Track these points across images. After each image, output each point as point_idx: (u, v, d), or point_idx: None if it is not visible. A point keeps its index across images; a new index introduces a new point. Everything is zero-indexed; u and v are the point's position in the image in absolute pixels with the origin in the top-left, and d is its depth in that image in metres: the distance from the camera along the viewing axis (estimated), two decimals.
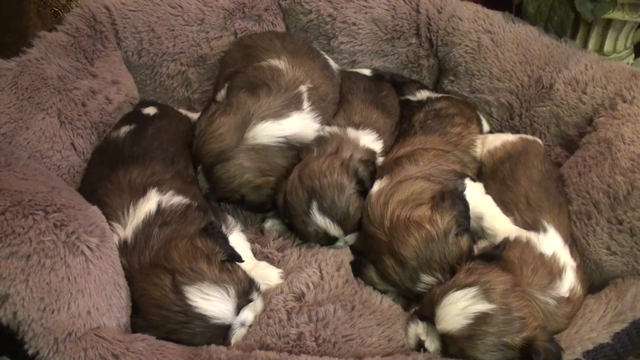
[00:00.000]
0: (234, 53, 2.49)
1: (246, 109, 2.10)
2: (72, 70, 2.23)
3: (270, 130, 2.08)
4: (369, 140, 2.23)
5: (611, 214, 1.90)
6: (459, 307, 1.66)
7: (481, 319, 1.63)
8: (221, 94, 2.31)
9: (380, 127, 2.31)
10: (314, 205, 1.99)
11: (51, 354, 1.53)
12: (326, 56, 2.52)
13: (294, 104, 2.16)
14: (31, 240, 1.56)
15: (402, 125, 2.41)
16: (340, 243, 2.08)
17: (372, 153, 2.20)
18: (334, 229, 2.02)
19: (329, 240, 2.06)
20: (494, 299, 1.65)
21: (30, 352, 1.53)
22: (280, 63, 2.27)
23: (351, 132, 2.22)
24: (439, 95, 2.54)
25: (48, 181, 1.80)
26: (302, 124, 2.16)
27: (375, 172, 2.09)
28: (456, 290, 1.69)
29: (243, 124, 2.07)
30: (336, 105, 2.37)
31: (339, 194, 2.00)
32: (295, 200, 2.02)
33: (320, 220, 2.00)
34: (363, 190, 2.04)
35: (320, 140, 2.18)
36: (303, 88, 2.21)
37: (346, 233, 2.05)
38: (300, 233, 2.09)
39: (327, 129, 2.24)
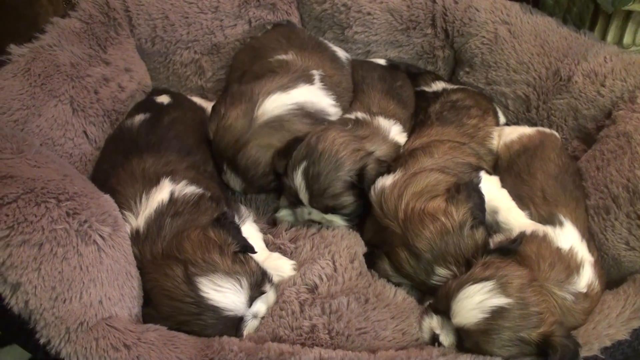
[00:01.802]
0: (242, 56, 2.48)
1: (250, 91, 2.08)
2: (84, 57, 2.21)
3: (280, 101, 2.07)
4: (397, 132, 2.23)
5: (630, 209, 1.87)
6: (475, 301, 1.64)
7: (498, 313, 1.62)
8: None
9: (400, 117, 2.30)
10: (302, 165, 1.99)
11: (62, 344, 1.52)
12: (334, 48, 2.50)
13: (303, 79, 2.15)
14: (43, 229, 1.55)
15: (418, 116, 2.39)
16: (313, 216, 2.08)
17: (398, 148, 2.19)
18: (304, 195, 2.01)
19: (298, 201, 2.05)
20: (511, 293, 1.63)
21: (41, 341, 1.52)
22: (288, 56, 2.26)
23: (382, 121, 2.21)
24: (455, 86, 2.52)
25: (60, 169, 1.78)
26: (312, 94, 2.14)
27: (383, 173, 2.04)
28: (472, 283, 1.67)
29: (250, 105, 2.05)
30: (351, 93, 2.35)
31: (329, 171, 1.98)
32: (296, 152, 2.02)
33: (299, 181, 2.00)
34: (359, 185, 2.01)
35: (356, 121, 2.18)
36: (315, 72, 2.20)
37: (313, 205, 2.03)
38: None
39: (360, 114, 2.23)
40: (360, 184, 2.00)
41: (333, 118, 2.20)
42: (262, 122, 2.04)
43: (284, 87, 2.10)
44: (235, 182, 2.10)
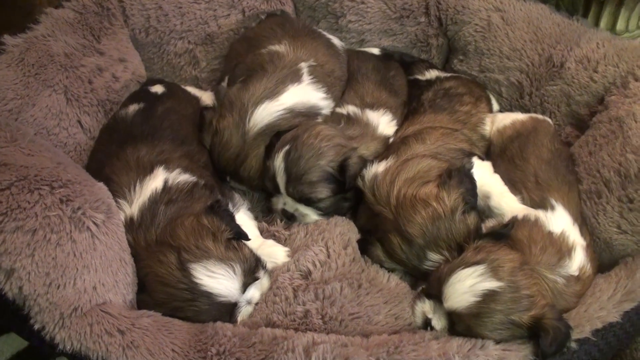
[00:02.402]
0: (238, 47, 2.48)
1: (240, 103, 2.09)
2: (78, 47, 2.22)
3: (268, 109, 2.08)
4: (386, 123, 2.24)
5: (622, 193, 1.88)
6: (467, 285, 1.65)
7: (489, 296, 1.62)
8: (223, 85, 2.30)
9: (391, 106, 2.31)
10: (285, 149, 2.00)
11: (57, 329, 1.53)
12: (329, 35, 2.50)
13: (290, 79, 2.15)
14: (37, 215, 1.56)
15: (412, 104, 2.40)
16: (288, 207, 2.09)
17: (386, 140, 2.20)
18: (281, 178, 2.02)
19: (275, 188, 2.06)
20: (502, 277, 1.64)
21: (36, 327, 1.54)
22: (280, 47, 2.26)
23: (371, 115, 2.23)
24: (448, 74, 2.53)
25: (54, 157, 1.79)
26: (301, 93, 2.14)
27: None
28: (464, 267, 1.68)
29: (240, 119, 2.07)
30: (344, 82, 2.36)
31: (311, 157, 1.99)
32: (282, 138, 2.04)
33: (278, 162, 2.01)
34: (339, 178, 2.02)
35: (348, 119, 2.20)
36: (303, 65, 2.20)
37: (288, 192, 2.03)
38: None
39: (350, 108, 2.24)
40: (342, 177, 2.01)
41: (325, 111, 2.21)
42: (254, 133, 2.06)
43: (272, 93, 2.10)
44: (240, 189, 2.17)
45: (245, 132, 2.06)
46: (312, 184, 2.01)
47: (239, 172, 2.09)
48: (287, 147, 2.00)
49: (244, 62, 2.27)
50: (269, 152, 2.05)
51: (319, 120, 2.16)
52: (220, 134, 2.08)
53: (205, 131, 2.14)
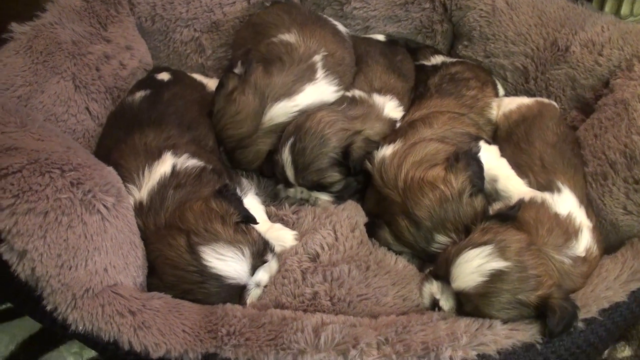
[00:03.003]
0: (244, 33, 2.49)
1: (261, 91, 2.12)
2: (85, 35, 2.24)
3: (285, 109, 2.12)
4: (392, 107, 2.25)
5: (628, 174, 1.89)
6: (474, 265, 1.66)
7: (496, 276, 1.64)
8: (236, 71, 2.28)
9: (399, 91, 2.32)
10: (290, 142, 2.04)
11: (69, 310, 1.55)
12: (334, 22, 2.51)
13: (307, 76, 2.18)
14: (48, 198, 1.57)
15: (418, 89, 2.41)
16: (304, 195, 2.13)
17: (392, 123, 2.21)
18: (290, 170, 2.07)
19: (286, 180, 2.11)
20: (510, 257, 1.65)
21: (48, 307, 1.55)
22: (291, 37, 2.27)
23: (377, 99, 2.24)
24: (454, 59, 2.54)
25: (63, 142, 1.80)
26: (316, 94, 2.17)
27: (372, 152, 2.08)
28: (471, 248, 1.69)
29: (260, 108, 2.11)
30: (354, 67, 2.37)
31: (315, 145, 2.03)
32: (286, 130, 2.09)
33: (285, 155, 2.06)
34: (344, 163, 2.05)
35: (352, 101, 2.21)
36: (317, 58, 2.22)
37: (299, 182, 2.08)
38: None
39: (357, 92, 2.26)
40: (346, 161, 2.04)
41: (333, 100, 2.24)
42: (266, 128, 2.11)
43: (290, 92, 2.14)
44: (226, 162, 2.19)
45: (260, 124, 2.10)
46: (321, 171, 2.05)
47: (234, 153, 2.13)
48: (291, 140, 2.04)
49: (258, 50, 2.28)
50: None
51: None
52: (236, 108, 2.11)
53: (221, 92, 2.15)
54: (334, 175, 2.07)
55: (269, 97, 2.11)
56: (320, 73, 2.20)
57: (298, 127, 2.05)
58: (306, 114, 2.08)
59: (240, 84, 2.14)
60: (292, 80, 2.15)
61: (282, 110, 2.10)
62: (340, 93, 2.23)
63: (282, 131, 2.11)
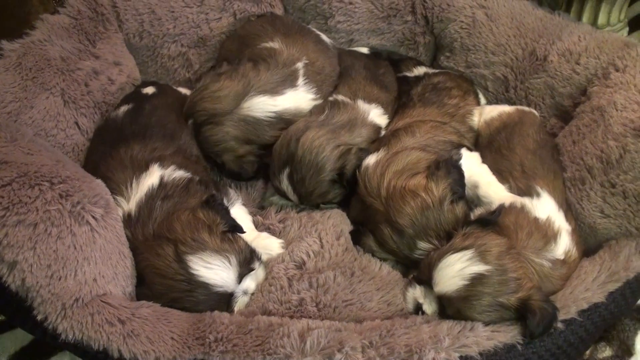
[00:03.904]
0: (229, 44, 2.54)
1: (248, 80, 2.17)
2: (74, 51, 2.27)
3: (265, 105, 2.16)
4: (377, 114, 2.29)
5: (604, 178, 1.93)
6: (456, 269, 1.70)
7: (477, 279, 1.67)
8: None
9: (383, 101, 2.37)
10: (286, 171, 2.09)
11: (59, 319, 1.58)
12: (318, 32, 2.56)
13: (289, 81, 2.23)
14: (37, 210, 1.61)
15: (402, 99, 2.45)
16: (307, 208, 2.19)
17: (377, 129, 2.25)
18: (292, 197, 2.12)
19: (288, 199, 2.17)
20: (490, 261, 1.69)
21: (39, 317, 1.58)
22: (274, 44, 2.33)
23: (362, 105, 2.27)
24: (437, 70, 2.59)
25: (53, 156, 1.84)
26: (295, 100, 2.22)
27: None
28: (453, 253, 1.73)
29: (242, 94, 2.15)
30: (334, 78, 2.42)
31: (312, 175, 2.07)
32: (276, 156, 2.12)
33: (285, 185, 2.11)
34: (339, 182, 2.10)
35: (333, 105, 2.24)
36: (299, 65, 2.27)
37: (303, 204, 2.16)
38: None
39: (340, 97, 2.30)
40: (341, 180, 2.09)
41: (309, 108, 2.27)
42: (242, 115, 2.14)
43: (273, 91, 2.19)
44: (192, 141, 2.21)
45: (237, 108, 2.14)
46: (323, 194, 2.12)
47: (203, 127, 2.16)
48: (287, 170, 2.09)
49: (243, 56, 2.34)
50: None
51: None
52: (219, 85, 2.16)
53: (211, 72, 2.24)
54: (335, 192, 2.14)
55: (254, 87, 2.16)
56: (300, 80, 2.25)
57: (290, 155, 2.08)
58: (295, 136, 2.10)
59: (229, 70, 2.21)
60: (276, 80, 2.21)
61: (261, 105, 2.15)
62: (317, 101, 2.27)
63: (254, 128, 2.15)
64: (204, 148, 2.19)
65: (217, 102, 2.14)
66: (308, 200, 2.14)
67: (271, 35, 2.37)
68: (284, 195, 2.16)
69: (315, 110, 2.23)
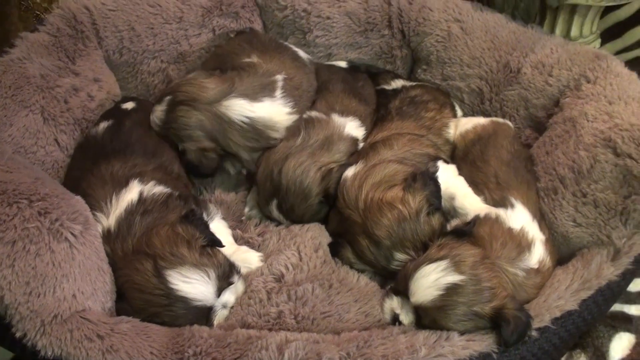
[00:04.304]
0: (209, 64, 2.54)
1: (233, 82, 2.21)
2: (54, 69, 2.28)
3: (242, 109, 2.17)
4: (354, 127, 2.31)
5: (576, 188, 1.96)
6: (431, 280, 1.72)
7: (452, 289, 1.70)
8: None
9: (361, 114, 2.39)
10: (274, 202, 2.13)
11: (38, 336, 1.59)
12: (295, 48, 2.59)
13: (268, 90, 2.25)
14: (16, 227, 1.62)
15: (380, 112, 2.48)
16: None
17: (354, 141, 2.28)
18: (285, 223, 2.17)
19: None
20: (464, 271, 1.71)
21: (17, 334, 1.59)
22: (253, 59, 2.36)
23: (336, 119, 2.29)
24: (414, 83, 2.62)
25: (32, 173, 1.85)
26: (271, 110, 2.23)
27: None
28: (428, 263, 1.75)
29: (226, 92, 2.18)
30: (312, 94, 2.44)
31: (300, 202, 2.10)
32: (262, 186, 2.15)
33: (276, 214, 2.15)
34: (327, 200, 2.13)
35: (307, 124, 2.25)
36: (278, 77, 2.30)
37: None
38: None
39: (314, 113, 2.32)
40: (328, 200, 2.13)
41: (285, 125, 2.27)
42: (218, 111, 2.16)
43: (252, 96, 2.21)
44: (157, 118, 2.22)
45: (216, 102, 2.16)
46: (313, 216, 2.17)
47: (178, 107, 2.16)
48: (275, 201, 2.12)
49: (228, 68, 2.37)
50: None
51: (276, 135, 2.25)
52: (208, 79, 2.21)
53: (203, 69, 2.28)
54: (323, 212, 2.18)
55: (237, 90, 2.19)
56: (279, 92, 2.27)
57: (276, 187, 2.10)
58: (277, 168, 2.12)
59: (220, 73, 2.26)
60: (256, 86, 2.23)
61: (239, 107, 2.17)
62: (293, 117, 2.28)
63: (223, 129, 2.16)
64: (170, 128, 2.19)
65: (202, 90, 2.16)
66: (300, 222, 2.17)
67: (248, 52, 2.40)
68: (277, 220, 2.20)
69: (291, 133, 2.23)
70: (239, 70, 2.29)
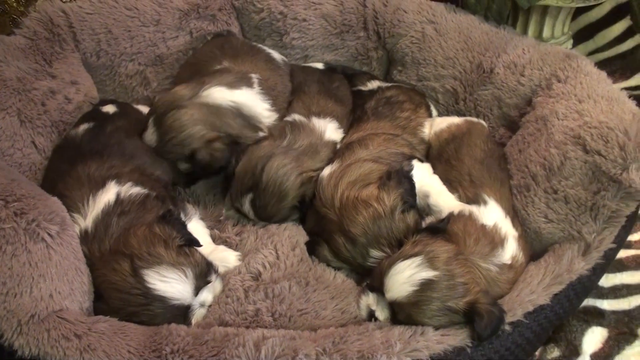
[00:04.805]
0: (183, 74, 2.57)
1: (200, 80, 2.23)
2: (30, 71, 2.28)
3: (224, 93, 2.21)
4: (333, 129, 2.34)
5: (547, 185, 2.00)
6: (405, 276, 1.74)
7: (426, 285, 1.72)
8: None
9: (338, 115, 2.42)
10: (249, 196, 2.12)
11: (15, 336, 1.59)
12: (269, 50, 2.63)
13: (245, 81, 2.29)
14: None
15: (356, 112, 2.51)
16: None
17: (334, 145, 2.31)
18: (253, 218, 2.17)
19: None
20: (438, 267, 1.74)
21: None
22: (224, 65, 2.39)
23: (317, 122, 2.32)
24: (389, 84, 2.66)
25: (8, 175, 1.85)
26: (251, 98, 2.27)
27: None
28: (402, 260, 1.77)
29: (198, 87, 2.20)
30: (287, 95, 2.47)
31: (275, 202, 2.12)
32: (240, 179, 2.14)
33: (247, 208, 2.15)
34: (300, 206, 2.16)
35: (293, 127, 2.28)
36: (253, 75, 2.33)
37: (262, 222, 2.20)
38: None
39: (296, 116, 2.34)
40: (301, 206, 2.15)
41: (267, 122, 2.31)
42: (203, 101, 2.17)
43: (230, 85, 2.24)
44: (151, 138, 2.17)
45: (196, 95, 2.17)
46: (283, 219, 2.18)
47: (165, 116, 2.14)
48: (250, 195, 2.12)
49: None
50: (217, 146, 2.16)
51: (260, 132, 2.27)
52: (172, 90, 2.21)
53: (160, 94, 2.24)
54: (293, 215, 2.20)
55: (210, 82, 2.22)
56: (256, 86, 2.31)
57: (255, 182, 2.10)
58: (261, 164, 2.11)
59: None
60: (233, 79, 2.26)
61: (219, 93, 2.19)
62: (274, 113, 2.32)
63: (217, 114, 2.17)
64: (169, 140, 2.15)
65: (174, 95, 2.17)
66: (267, 221, 2.18)
67: (220, 59, 2.42)
68: (244, 216, 2.20)
69: (277, 133, 2.25)
70: (212, 74, 2.31)
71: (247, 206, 2.14)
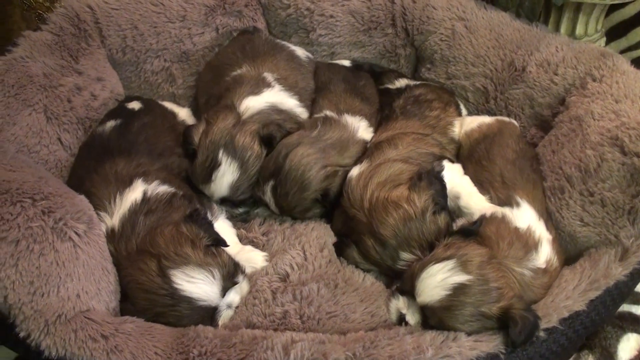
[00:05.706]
0: (204, 76, 2.56)
1: (225, 104, 2.20)
2: (57, 67, 2.27)
3: (256, 100, 2.20)
4: (364, 128, 2.31)
5: (583, 187, 1.96)
6: (438, 279, 1.71)
7: (459, 289, 1.68)
8: None
9: (366, 114, 2.38)
10: (270, 183, 2.08)
11: (42, 336, 1.58)
12: (293, 47, 2.59)
13: (261, 85, 2.27)
14: (19, 226, 1.62)
15: (384, 111, 2.47)
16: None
17: (365, 145, 2.27)
18: (274, 208, 2.13)
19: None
20: (471, 271, 1.70)
21: (21, 334, 1.58)
22: (243, 70, 2.36)
23: (349, 119, 2.29)
24: (418, 82, 2.62)
25: (35, 172, 1.85)
26: (277, 96, 2.25)
27: None
28: (435, 263, 1.74)
29: (234, 109, 2.16)
30: (310, 92, 2.45)
31: (296, 191, 2.08)
32: (265, 165, 2.11)
33: (268, 197, 2.11)
34: (322, 203, 2.13)
35: (325, 121, 2.25)
36: (268, 75, 2.31)
37: (284, 215, 2.17)
38: None
39: (327, 112, 2.31)
40: (324, 200, 2.11)
41: (302, 117, 2.31)
42: (248, 116, 2.15)
43: (253, 92, 2.22)
44: (229, 172, 2.10)
45: (239, 115, 2.15)
46: (304, 211, 2.14)
47: (233, 142, 2.08)
48: (272, 182, 2.08)
49: (212, 93, 2.36)
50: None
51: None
52: (212, 124, 2.12)
53: (195, 128, 2.17)
54: (315, 209, 2.15)
55: (236, 99, 2.19)
56: (275, 84, 2.29)
57: (277, 169, 2.07)
58: (285, 150, 2.08)
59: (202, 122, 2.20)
60: (250, 88, 2.24)
61: (254, 101, 2.18)
62: (304, 109, 2.31)
63: (265, 117, 2.16)
64: (246, 164, 2.11)
65: (221, 127, 2.12)
66: (289, 214, 2.15)
67: (240, 62, 2.39)
68: (265, 206, 2.17)
69: (308, 125, 2.23)
70: (222, 94, 2.28)
71: (268, 194, 2.10)
